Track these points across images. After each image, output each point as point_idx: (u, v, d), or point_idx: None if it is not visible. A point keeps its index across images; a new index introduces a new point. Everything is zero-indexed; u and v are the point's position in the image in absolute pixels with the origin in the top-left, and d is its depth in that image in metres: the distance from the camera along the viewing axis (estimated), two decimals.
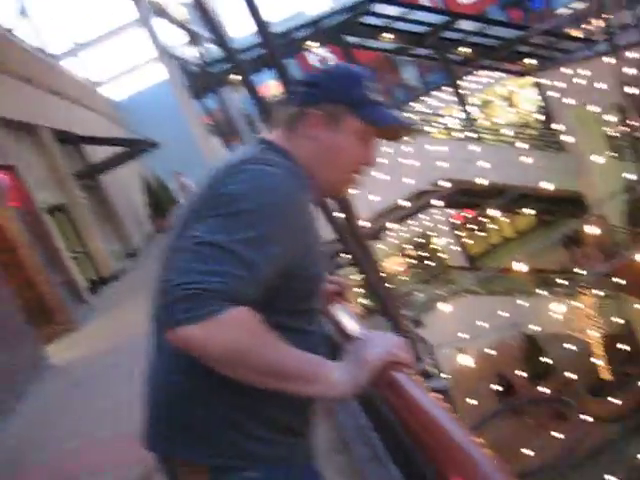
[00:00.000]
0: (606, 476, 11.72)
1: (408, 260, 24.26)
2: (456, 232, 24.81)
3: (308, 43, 20.49)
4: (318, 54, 27.77)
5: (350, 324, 1.53)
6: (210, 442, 1.40)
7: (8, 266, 10.53)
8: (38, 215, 12.28)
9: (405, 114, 20.40)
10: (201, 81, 17.48)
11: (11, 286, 9.50)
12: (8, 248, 10.80)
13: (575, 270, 16.88)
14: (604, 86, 12.48)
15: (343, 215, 2.72)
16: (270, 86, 25.21)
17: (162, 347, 1.44)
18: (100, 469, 4.42)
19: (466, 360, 6.16)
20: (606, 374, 14.99)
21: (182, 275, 1.22)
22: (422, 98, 27.02)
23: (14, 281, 10.31)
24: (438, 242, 24.21)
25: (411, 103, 25.82)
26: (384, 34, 19.81)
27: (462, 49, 20.16)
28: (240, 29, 19.98)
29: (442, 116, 21.15)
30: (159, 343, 1.46)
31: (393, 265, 24.19)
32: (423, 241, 23.47)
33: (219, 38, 3.09)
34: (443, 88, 25.27)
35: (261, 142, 1.50)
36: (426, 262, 23.84)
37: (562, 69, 14.26)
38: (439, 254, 25.10)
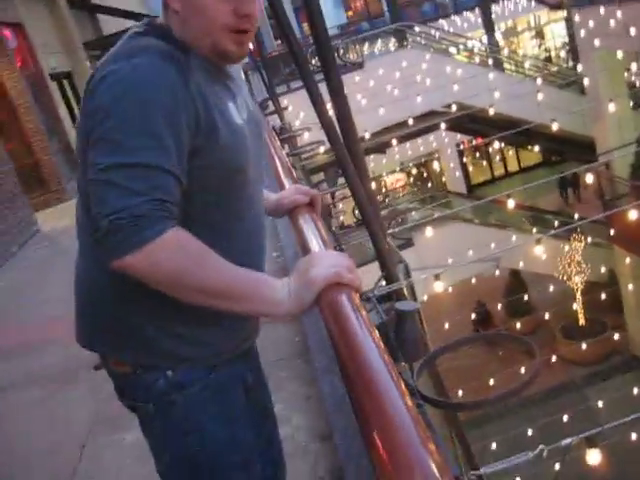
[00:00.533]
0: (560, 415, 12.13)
1: (408, 178, 24.21)
2: (461, 158, 24.64)
3: None
4: None
5: (312, 239, 1.53)
6: (131, 340, 1.42)
7: (7, 128, 10.48)
8: (43, 79, 12.09)
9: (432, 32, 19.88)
10: None
11: (8, 148, 9.47)
12: (9, 109, 10.70)
13: (570, 213, 16.95)
14: (636, 32, 12.10)
15: (339, 126, 2.67)
16: None
17: (84, 247, 1.45)
18: (52, 342, 4.53)
19: (440, 286, 6.21)
20: (582, 319, 15.27)
21: (104, 206, 1.19)
22: (451, 17, 26.26)
23: (12, 144, 10.28)
24: (440, 164, 24.07)
25: (440, 20, 25.07)
26: None
27: None
28: None
29: (467, 38, 20.57)
30: (80, 244, 1.47)
31: (394, 181, 24.15)
32: (426, 161, 23.33)
33: None
34: (472, 9, 24.56)
35: (143, 24, 1.42)
36: (426, 183, 23.82)
37: (598, 8, 13.75)
38: (441, 177, 25.04)
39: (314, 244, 1.49)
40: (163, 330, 1.41)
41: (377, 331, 1.16)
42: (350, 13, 31.97)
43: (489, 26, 20.34)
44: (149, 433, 1.52)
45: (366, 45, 20.22)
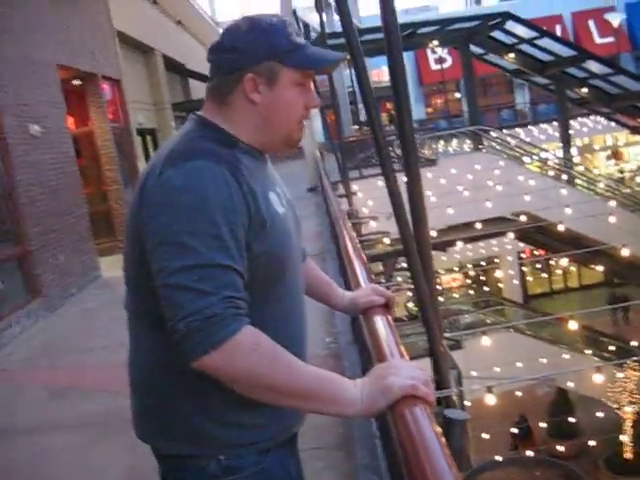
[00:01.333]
0: None
1: (465, 280, 24.01)
2: (521, 267, 24.36)
3: (432, 42, 20.25)
4: (437, 53, 27.50)
5: (387, 344, 1.55)
6: (180, 429, 1.44)
7: (88, 174, 10.92)
8: (130, 133, 12.63)
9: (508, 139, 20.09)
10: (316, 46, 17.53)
11: (85, 193, 9.84)
12: (93, 156, 11.17)
13: (626, 339, 16.43)
14: None
15: (411, 219, 2.70)
16: (383, 72, 25.16)
17: (136, 337, 1.51)
18: (105, 389, 4.55)
19: (492, 400, 6.11)
20: (629, 453, 14.58)
21: (179, 310, 1.23)
22: (528, 126, 26.56)
23: (89, 189, 10.69)
24: (500, 271, 23.84)
25: (517, 128, 25.38)
26: (509, 53, 19.43)
27: (581, 89, 19.63)
28: (373, 8, 19.92)
29: (542, 149, 20.70)
30: (132, 331, 1.53)
31: (450, 280, 23.99)
32: (485, 265, 23.14)
33: (342, 11, 3.11)
34: (550, 122, 24.80)
35: (192, 121, 1.47)
36: (482, 286, 23.55)
37: None
38: (497, 283, 24.74)
39: (389, 350, 1.50)
40: (213, 418, 1.43)
41: None
42: (430, 109, 32.60)
43: (566, 140, 20.44)
44: None
45: (441, 143, 20.55)
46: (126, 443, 3.60)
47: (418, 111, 30.41)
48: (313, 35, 18.14)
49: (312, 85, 1.50)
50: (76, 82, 10.81)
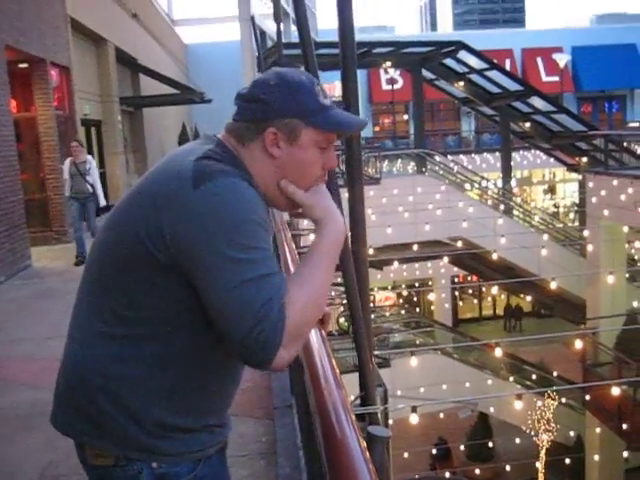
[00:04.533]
0: None
1: (398, 299, 24.30)
2: (453, 291, 24.81)
3: (386, 62, 20.54)
4: (389, 74, 27.90)
5: (319, 351, 1.59)
6: (115, 433, 1.42)
7: (27, 160, 10.64)
8: (74, 122, 12.37)
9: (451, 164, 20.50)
10: (271, 57, 17.54)
11: (22, 179, 9.58)
12: (33, 142, 10.89)
13: (549, 369, 16.91)
14: None
15: (350, 235, 2.73)
16: (335, 87, 25.36)
17: (89, 334, 1.45)
18: (28, 382, 4.43)
19: (416, 419, 6.20)
20: (542, 478, 14.98)
21: (246, 322, 1.25)
22: (472, 154, 27.16)
23: (27, 176, 10.41)
24: (432, 293, 24.23)
25: (460, 155, 25.92)
26: (459, 81, 19.86)
27: (525, 123, 20.20)
28: (330, 22, 20.06)
29: (483, 178, 21.20)
30: (83, 330, 1.47)
31: (383, 299, 24.24)
32: (418, 287, 23.49)
33: (300, 22, 3.15)
34: (493, 152, 25.43)
35: (213, 142, 1.47)
36: (414, 307, 23.87)
37: (612, 179, 14.27)
38: (429, 305, 25.14)
39: (321, 363, 1.53)
40: (148, 426, 1.42)
41: None
42: (377, 128, 33.00)
43: (506, 171, 20.97)
44: None
45: (386, 162, 20.81)
46: (46, 438, 3.52)
47: (366, 129, 30.66)
48: (269, 44, 18.17)
49: (332, 147, 1.51)
50: (23, 65, 10.54)
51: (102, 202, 9.62)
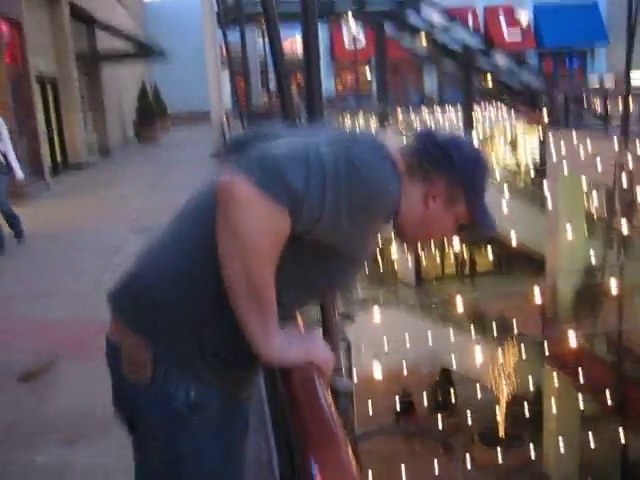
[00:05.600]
0: None
1: None
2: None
3: (348, 16, 20.31)
4: (352, 30, 27.58)
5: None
6: (169, 337, 1.43)
7: None
8: (28, 80, 12.02)
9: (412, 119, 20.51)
10: (231, 13, 17.21)
11: None
12: None
13: (510, 323, 17.25)
14: (602, 165, 12.70)
15: None
16: (296, 40, 25.02)
17: (191, 245, 1.47)
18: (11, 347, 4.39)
19: (378, 372, 6.34)
20: (502, 430, 15.40)
21: (286, 156, 1.32)
22: (434, 109, 27.10)
23: None
24: (395, 253, 24.36)
25: (423, 111, 25.87)
26: (422, 37, 19.77)
27: (487, 79, 20.26)
28: None
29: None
30: (185, 240, 1.49)
31: None
32: (382, 246, 23.58)
33: None
34: (455, 108, 25.42)
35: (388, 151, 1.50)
36: (378, 268, 24.01)
37: (572, 134, 14.39)
38: (392, 265, 25.30)
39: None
40: (209, 344, 1.44)
41: None
42: (340, 87, 32.77)
43: (469, 126, 21.03)
44: (145, 446, 1.51)
45: (348, 118, 20.75)
46: (10, 399, 3.48)
47: (328, 86, 30.49)
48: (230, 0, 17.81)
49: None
50: None
51: (19, 174, 8.03)
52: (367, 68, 31.93)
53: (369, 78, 31.78)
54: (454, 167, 1.49)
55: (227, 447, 1.51)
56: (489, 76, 19.94)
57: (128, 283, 1.51)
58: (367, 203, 1.38)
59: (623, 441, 12.44)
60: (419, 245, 1.67)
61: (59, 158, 14.25)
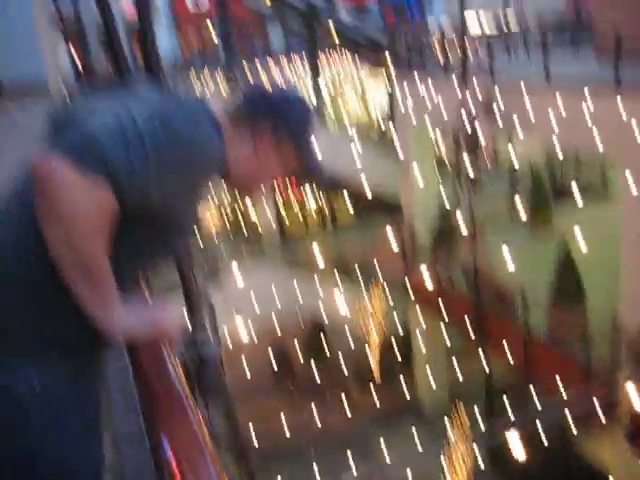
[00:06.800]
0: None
1: (225, 223, 24.19)
2: (277, 208, 25.05)
3: None
4: None
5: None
6: (1, 324, 1.39)
7: None
8: None
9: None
10: None
11: None
12: None
13: (374, 269, 17.83)
14: (447, 109, 13.19)
15: None
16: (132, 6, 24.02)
17: (7, 223, 1.42)
18: None
19: (245, 333, 6.41)
20: (376, 372, 16.02)
21: (101, 132, 1.29)
22: (281, 60, 26.92)
23: None
24: (254, 212, 24.32)
25: (270, 63, 25.70)
26: None
27: (332, 34, 20.42)
28: None
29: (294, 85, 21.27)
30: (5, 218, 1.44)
31: (209, 224, 24.01)
32: (242, 207, 23.47)
33: None
34: (302, 60, 25.36)
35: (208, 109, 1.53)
36: (241, 231, 23.93)
37: (416, 79, 14.76)
38: (256, 227, 25.27)
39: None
40: (44, 325, 1.41)
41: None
42: (184, 46, 32.02)
43: (315, 72, 21.14)
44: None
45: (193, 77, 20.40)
46: None
47: (172, 44, 29.71)
48: None
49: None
50: None
51: None
52: (211, 28, 31.25)
53: (214, 37, 31.17)
54: (278, 113, 1.58)
55: (82, 424, 1.48)
56: (334, 32, 20.09)
57: None
58: (192, 166, 1.41)
59: (487, 369, 13.30)
60: (253, 193, 1.72)
61: None
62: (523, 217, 14.40)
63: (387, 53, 18.61)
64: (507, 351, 12.01)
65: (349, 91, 31.73)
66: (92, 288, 1.33)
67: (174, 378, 1.23)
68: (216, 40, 30.04)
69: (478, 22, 24.14)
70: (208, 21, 30.57)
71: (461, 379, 14.27)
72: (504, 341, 12.07)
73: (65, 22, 11.94)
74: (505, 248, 12.26)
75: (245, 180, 1.63)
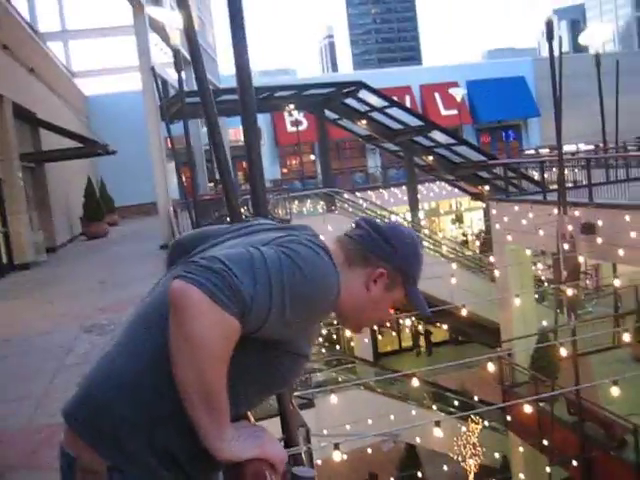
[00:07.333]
0: None
1: (318, 338, 24.28)
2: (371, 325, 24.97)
3: (289, 105, 20.85)
4: (293, 116, 28.31)
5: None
6: (125, 446, 1.43)
7: None
8: None
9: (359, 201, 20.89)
10: (174, 106, 17.53)
11: None
12: None
13: (470, 394, 17.25)
14: (545, 233, 13.06)
15: None
16: (240, 131, 25.54)
17: (141, 348, 1.49)
18: None
19: (339, 456, 6.24)
20: None
21: (233, 262, 1.35)
22: (380, 190, 27.76)
23: None
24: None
25: (368, 191, 26.45)
26: (362, 120, 20.36)
27: (428, 156, 20.87)
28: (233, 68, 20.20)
29: (392, 212, 21.68)
30: (134, 342, 1.51)
31: None
32: (336, 324, 23.51)
33: (197, 72, 3.22)
34: (400, 186, 26.10)
35: (324, 245, 1.56)
36: (334, 345, 23.90)
37: (513, 206, 14.85)
38: (349, 341, 25.22)
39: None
40: (162, 451, 1.44)
41: None
42: (285, 170, 33.32)
43: (414, 204, 21.53)
44: None
45: (295, 203, 21.00)
46: None
47: (273, 171, 30.99)
48: (172, 92, 18.19)
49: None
50: None
51: None
52: (310, 151, 32.62)
53: (313, 160, 32.45)
54: (395, 253, 1.59)
55: None
56: (430, 154, 20.56)
57: (84, 398, 1.51)
58: (311, 300, 1.43)
59: None
60: (359, 327, 1.71)
61: (4, 259, 14.02)
62: (628, 341, 13.71)
63: (483, 175, 18.80)
64: None
65: (445, 214, 32.18)
66: (209, 411, 1.36)
67: None
68: (315, 162, 31.30)
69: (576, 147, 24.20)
70: (310, 151, 31.98)
71: None
72: (611, 477, 11.26)
73: (177, 151, 12.83)
74: (609, 376, 11.63)
75: (352, 313, 1.63)
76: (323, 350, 21.59)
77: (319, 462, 11.31)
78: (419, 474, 15.98)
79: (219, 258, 1.37)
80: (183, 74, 14.14)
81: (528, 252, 15.05)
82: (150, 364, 1.45)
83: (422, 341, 26.08)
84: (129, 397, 1.45)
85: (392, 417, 13.77)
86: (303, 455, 3.95)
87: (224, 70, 42.45)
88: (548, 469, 14.07)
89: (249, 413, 1.70)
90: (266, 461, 1.41)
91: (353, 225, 1.67)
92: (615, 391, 8.68)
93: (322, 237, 1.57)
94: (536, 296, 16.70)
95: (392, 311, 1.70)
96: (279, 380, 1.60)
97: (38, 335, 7.86)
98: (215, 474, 1.62)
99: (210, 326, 1.30)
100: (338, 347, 23.92)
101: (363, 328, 1.72)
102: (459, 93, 30.04)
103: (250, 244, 1.46)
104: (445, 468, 15.43)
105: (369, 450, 14.92)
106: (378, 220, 1.68)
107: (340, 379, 16.45)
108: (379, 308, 1.64)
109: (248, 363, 1.46)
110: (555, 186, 13.56)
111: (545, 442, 13.00)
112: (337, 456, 6.04)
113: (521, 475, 14.66)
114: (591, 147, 23.43)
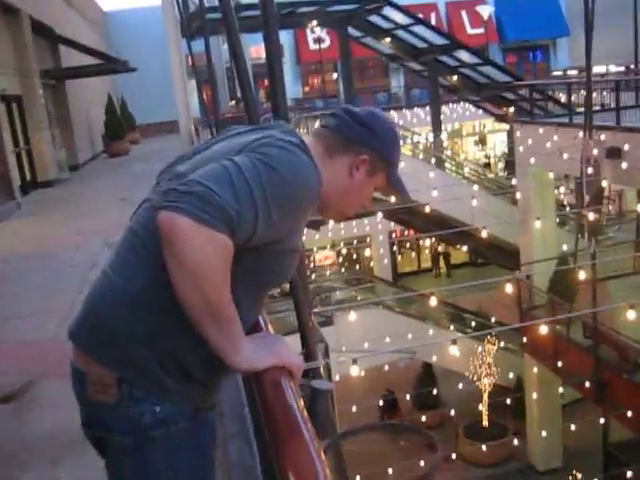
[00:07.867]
0: None
1: (337, 257, 24.52)
2: (391, 246, 25.15)
3: (311, 22, 20.38)
4: (316, 33, 27.70)
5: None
6: (131, 359, 1.47)
7: None
8: None
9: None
10: (195, 22, 17.19)
11: None
12: None
13: (487, 315, 17.45)
14: (570, 157, 12.86)
15: None
16: (262, 49, 25.09)
17: (139, 252, 1.51)
18: None
19: (356, 371, 6.42)
20: (486, 421, 15.56)
21: (211, 181, 1.36)
22: (403, 110, 27.35)
23: None
24: (371, 250, 24.50)
25: (391, 111, 26.06)
26: (385, 38, 19.89)
27: (452, 76, 20.44)
28: None
29: (414, 132, 21.42)
30: (127, 260, 1.53)
31: (322, 258, 24.44)
32: (357, 244, 23.72)
33: None
34: (423, 106, 25.69)
35: (300, 141, 1.55)
36: (354, 265, 24.15)
37: (538, 128, 14.60)
38: (369, 261, 25.44)
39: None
40: (168, 360, 1.48)
41: None
42: (307, 89, 32.85)
43: (436, 125, 21.23)
44: (118, 466, 1.54)
45: (317, 122, 20.79)
46: None
47: (295, 90, 30.56)
48: (192, 8, 17.81)
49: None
50: None
51: None
52: (333, 69, 32.07)
53: (335, 79, 31.93)
54: (375, 138, 1.60)
55: (199, 457, 1.55)
56: (455, 73, 20.12)
57: (85, 316, 1.55)
58: (293, 199, 1.45)
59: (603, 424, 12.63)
60: (341, 215, 1.73)
61: (28, 177, 14.15)
62: None
63: (508, 96, 18.42)
64: (626, 409, 11.40)
65: (469, 140, 31.75)
66: (220, 328, 1.39)
67: (295, 406, 1.28)
68: (337, 82, 30.81)
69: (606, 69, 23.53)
70: (332, 69, 31.40)
71: (576, 433, 13.62)
72: (624, 399, 11.48)
73: (197, 68, 12.67)
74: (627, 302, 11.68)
75: (335, 203, 1.64)
76: (343, 270, 21.86)
77: (337, 378, 11.62)
78: (434, 392, 16.37)
79: (197, 180, 1.37)
80: None
81: (551, 175, 14.87)
82: (146, 278, 1.48)
83: (441, 262, 26.23)
84: (128, 312, 1.48)
85: (410, 336, 13.99)
86: (322, 370, 4.08)
87: None
88: (561, 389, 14.37)
89: (269, 324, 1.75)
90: (284, 369, 1.46)
91: (330, 116, 1.67)
92: (631, 315, 8.71)
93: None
94: (557, 220, 16.61)
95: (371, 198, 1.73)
96: (278, 277, 1.62)
97: (62, 251, 8.02)
98: (224, 380, 1.67)
99: (202, 248, 1.33)
100: (358, 267, 24.19)
101: (345, 216, 1.75)
102: (486, 11, 29.12)
103: (224, 155, 1.46)
104: (460, 386, 15.77)
105: (386, 367, 15.24)
106: (354, 107, 1.68)
107: (359, 298, 16.67)
108: (362, 194, 1.67)
109: (245, 271, 1.48)
110: (582, 109, 13.29)
111: (559, 363, 13.20)
112: (355, 371, 6.20)
113: (534, 394, 14.96)
114: (622, 69, 22.76)
